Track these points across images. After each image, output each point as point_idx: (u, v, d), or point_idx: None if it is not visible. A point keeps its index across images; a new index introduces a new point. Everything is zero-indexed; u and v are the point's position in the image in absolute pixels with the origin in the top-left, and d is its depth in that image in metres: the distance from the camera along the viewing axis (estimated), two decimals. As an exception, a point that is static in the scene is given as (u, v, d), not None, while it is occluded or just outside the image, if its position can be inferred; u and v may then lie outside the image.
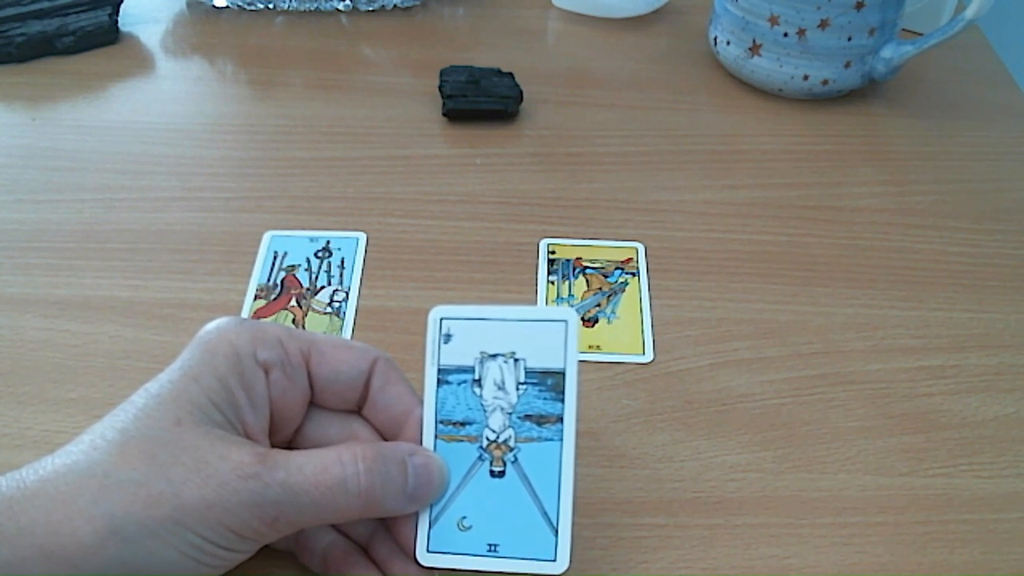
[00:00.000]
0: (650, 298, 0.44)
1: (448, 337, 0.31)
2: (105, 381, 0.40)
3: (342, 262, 0.46)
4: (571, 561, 0.30)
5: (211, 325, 0.30)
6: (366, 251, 0.46)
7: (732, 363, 0.41)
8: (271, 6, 0.65)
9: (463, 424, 0.30)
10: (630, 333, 0.43)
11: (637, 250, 0.47)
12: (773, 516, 0.36)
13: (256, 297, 0.44)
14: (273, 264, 0.46)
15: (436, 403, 0.30)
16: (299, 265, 0.45)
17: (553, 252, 0.47)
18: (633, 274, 0.46)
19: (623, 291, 0.45)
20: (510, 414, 0.30)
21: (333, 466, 0.28)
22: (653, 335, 0.43)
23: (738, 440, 0.38)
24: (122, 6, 0.62)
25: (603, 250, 0.47)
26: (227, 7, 0.65)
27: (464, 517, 0.30)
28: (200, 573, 0.27)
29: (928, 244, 0.49)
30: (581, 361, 0.41)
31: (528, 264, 0.46)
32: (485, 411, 0.30)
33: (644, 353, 0.42)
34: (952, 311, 0.45)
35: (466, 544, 0.30)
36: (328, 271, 0.45)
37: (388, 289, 0.45)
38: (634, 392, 0.40)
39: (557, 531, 0.29)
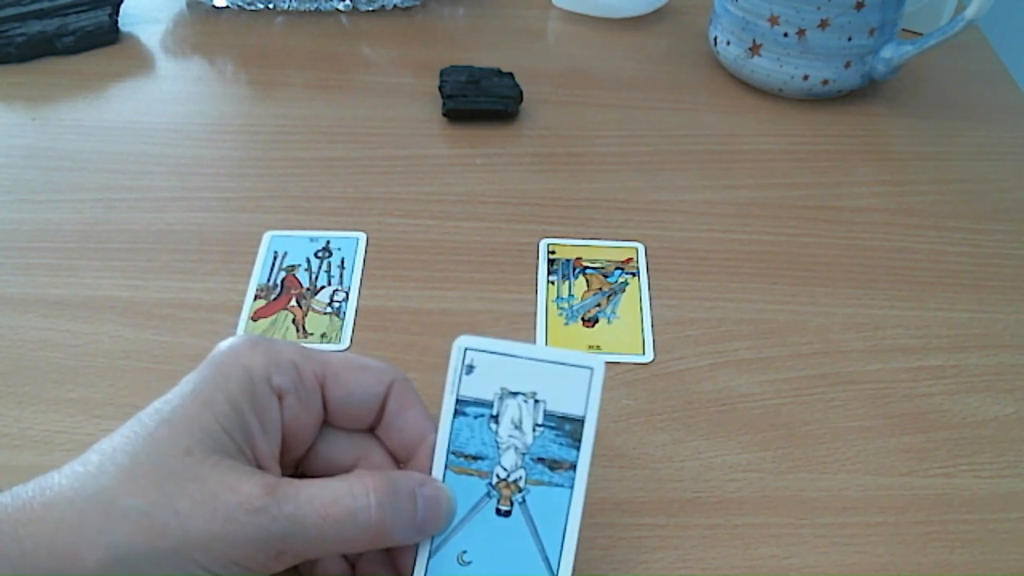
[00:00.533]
0: (650, 298, 0.44)
1: (470, 368, 0.30)
2: (105, 381, 0.40)
3: (342, 262, 0.46)
4: None
5: (224, 345, 0.29)
6: (366, 251, 0.46)
7: (732, 363, 0.41)
8: (271, 6, 0.65)
9: (475, 458, 0.30)
10: (630, 333, 0.43)
11: (637, 250, 0.47)
12: (773, 516, 0.36)
13: (256, 297, 0.44)
14: (273, 264, 0.45)
15: (451, 433, 0.30)
16: (299, 265, 0.45)
17: (553, 252, 0.47)
18: (633, 274, 0.46)
19: (623, 291, 0.45)
20: (524, 454, 0.30)
21: (344, 498, 0.27)
22: (653, 335, 0.43)
23: (738, 440, 0.38)
24: (122, 6, 0.62)
25: (603, 250, 0.47)
26: (227, 7, 0.65)
27: (465, 552, 0.29)
28: None
29: (928, 244, 0.49)
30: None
31: (528, 264, 0.46)
32: (499, 448, 0.30)
33: (644, 353, 0.42)
34: (952, 311, 0.45)
35: None
36: (328, 271, 0.45)
37: (388, 289, 0.45)
38: (634, 392, 0.40)
39: None
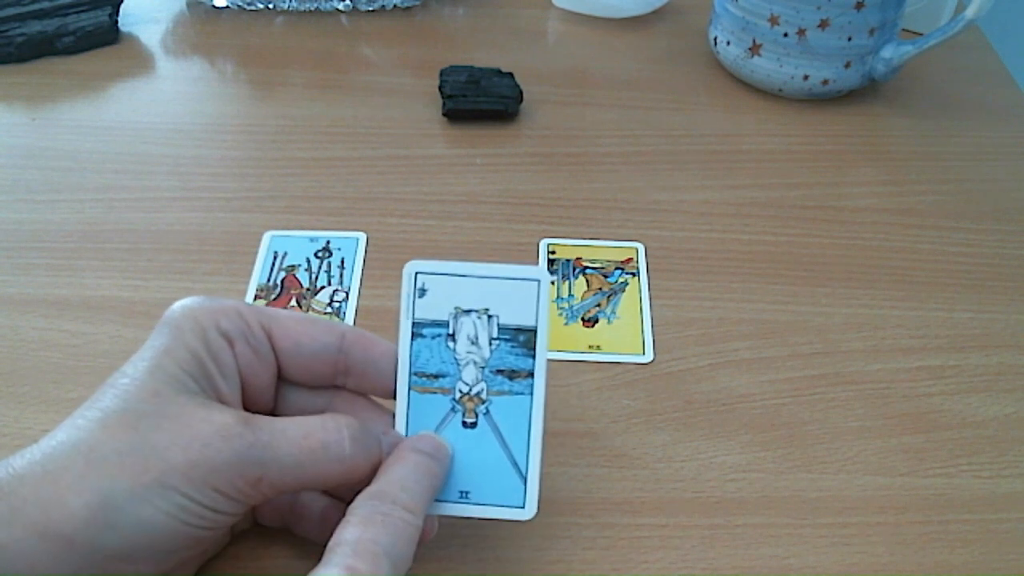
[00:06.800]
0: (650, 298, 0.44)
1: (423, 292, 0.31)
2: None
3: (342, 262, 0.46)
4: (539, 508, 0.30)
5: (174, 306, 0.30)
6: (366, 251, 0.46)
7: (732, 363, 0.41)
8: (271, 6, 0.65)
9: (436, 376, 0.31)
10: (630, 333, 0.43)
11: (637, 250, 0.47)
12: (773, 516, 0.36)
13: (256, 297, 0.44)
14: (273, 264, 0.46)
15: (411, 355, 0.31)
16: (299, 265, 0.45)
17: (553, 252, 0.47)
18: (633, 274, 0.46)
19: (623, 291, 0.45)
20: (483, 368, 0.31)
21: (317, 431, 0.28)
22: (653, 335, 0.43)
23: (738, 440, 0.38)
24: (122, 6, 0.62)
25: (603, 250, 0.47)
26: (227, 7, 0.65)
27: None
28: (190, 535, 0.27)
29: (928, 244, 0.49)
30: (581, 361, 0.41)
31: (528, 264, 0.46)
32: (458, 364, 0.31)
33: (644, 353, 0.42)
34: (952, 311, 0.45)
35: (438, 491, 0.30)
36: (328, 271, 0.45)
37: (388, 289, 0.45)
38: (634, 392, 0.40)
39: (526, 479, 0.30)
